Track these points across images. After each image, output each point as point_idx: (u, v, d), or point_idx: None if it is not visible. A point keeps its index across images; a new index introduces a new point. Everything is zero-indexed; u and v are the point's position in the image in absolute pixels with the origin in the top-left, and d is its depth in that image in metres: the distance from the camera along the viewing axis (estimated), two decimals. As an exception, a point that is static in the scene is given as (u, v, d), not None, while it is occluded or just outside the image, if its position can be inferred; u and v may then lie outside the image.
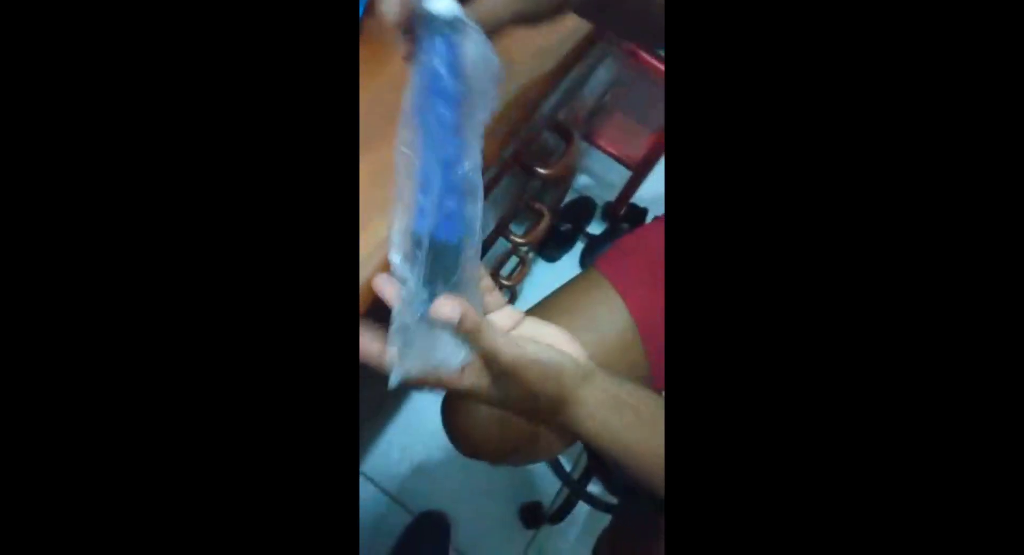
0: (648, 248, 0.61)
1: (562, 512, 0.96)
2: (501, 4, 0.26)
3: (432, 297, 0.28)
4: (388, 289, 0.30)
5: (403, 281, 0.29)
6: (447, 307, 0.27)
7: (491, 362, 0.30)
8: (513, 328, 0.34)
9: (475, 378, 0.31)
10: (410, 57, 0.26)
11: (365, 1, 0.42)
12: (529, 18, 0.28)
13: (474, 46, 0.25)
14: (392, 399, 1.07)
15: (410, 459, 1.03)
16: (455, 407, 0.53)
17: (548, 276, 1.19)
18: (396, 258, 0.29)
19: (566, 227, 1.18)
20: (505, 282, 0.87)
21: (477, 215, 0.28)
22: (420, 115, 0.26)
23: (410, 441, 1.04)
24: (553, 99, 0.57)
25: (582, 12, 0.34)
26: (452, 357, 0.30)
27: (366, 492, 1.00)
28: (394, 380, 0.29)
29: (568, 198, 1.23)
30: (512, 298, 0.98)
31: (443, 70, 0.25)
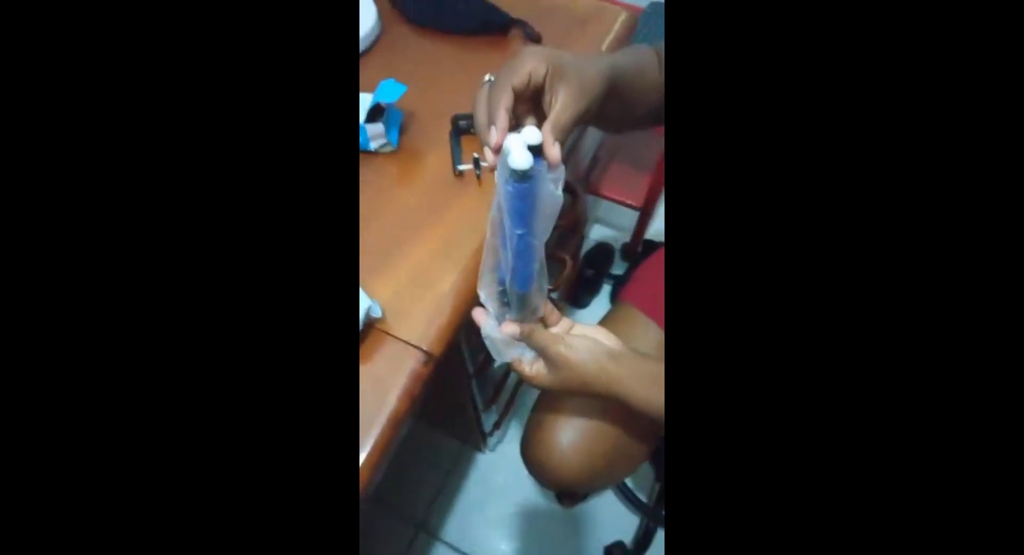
0: (659, 268, 0.70)
1: (644, 542, 0.97)
2: (568, 117, 0.36)
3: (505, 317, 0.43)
4: (479, 315, 0.45)
5: (486, 307, 0.44)
6: (509, 327, 0.43)
7: (544, 355, 0.43)
8: (566, 331, 0.46)
9: (538, 368, 0.44)
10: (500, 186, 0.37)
11: (365, 134, 0.54)
12: (585, 123, 0.39)
13: (545, 186, 0.35)
14: (455, 461, 1.12)
15: (487, 519, 1.07)
16: (535, 443, 0.59)
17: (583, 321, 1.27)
18: (483, 294, 0.43)
19: (591, 273, 1.27)
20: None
21: (540, 279, 0.41)
22: (502, 224, 0.38)
23: (484, 500, 1.08)
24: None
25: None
26: (524, 354, 0.45)
27: (453, 556, 1.04)
28: (496, 364, 0.47)
29: (587, 247, 1.32)
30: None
31: (517, 199, 0.36)
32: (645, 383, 0.42)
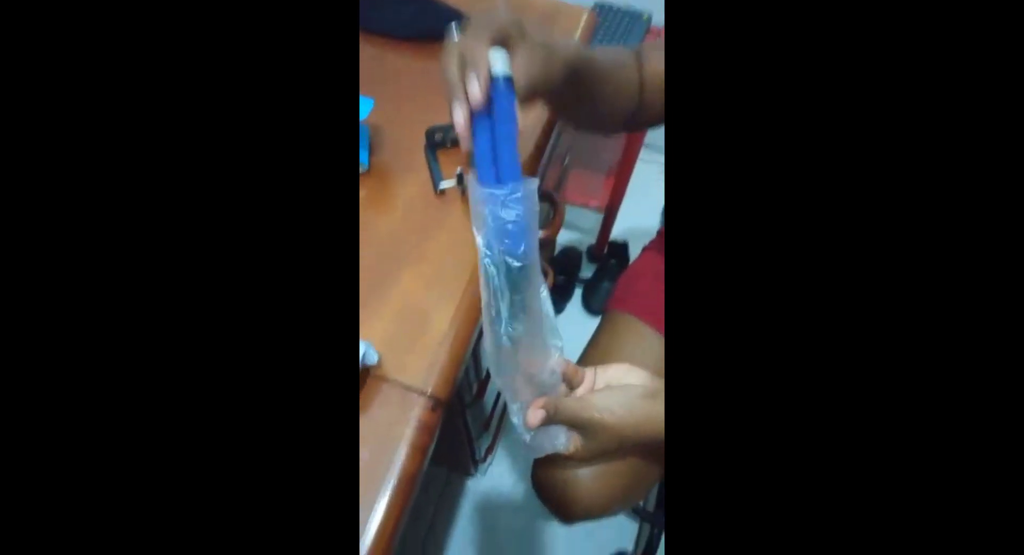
0: (647, 273, 0.67)
1: (648, 550, 0.95)
2: (524, 82, 0.35)
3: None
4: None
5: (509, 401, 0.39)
6: (533, 416, 0.38)
7: (577, 426, 0.39)
8: (592, 386, 0.42)
9: (575, 443, 0.40)
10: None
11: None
12: (538, 92, 0.37)
13: (527, 199, 0.34)
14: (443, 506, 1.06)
15: (485, 547, 1.02)
16: (549, 478, 0.54)
17: (560, 327, 1.24)
18: (499, 381, 0.38)
19: (562, 279, 1.24)
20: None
21: (545, 319, 0.38)
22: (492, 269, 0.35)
23: (480, 527, 1.03)
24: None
25: (550, 102, 0.43)
26: (560, 438, 0.40)
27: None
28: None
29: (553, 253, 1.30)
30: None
31: (509, 221, 0.34)
32: None
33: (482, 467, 1.03)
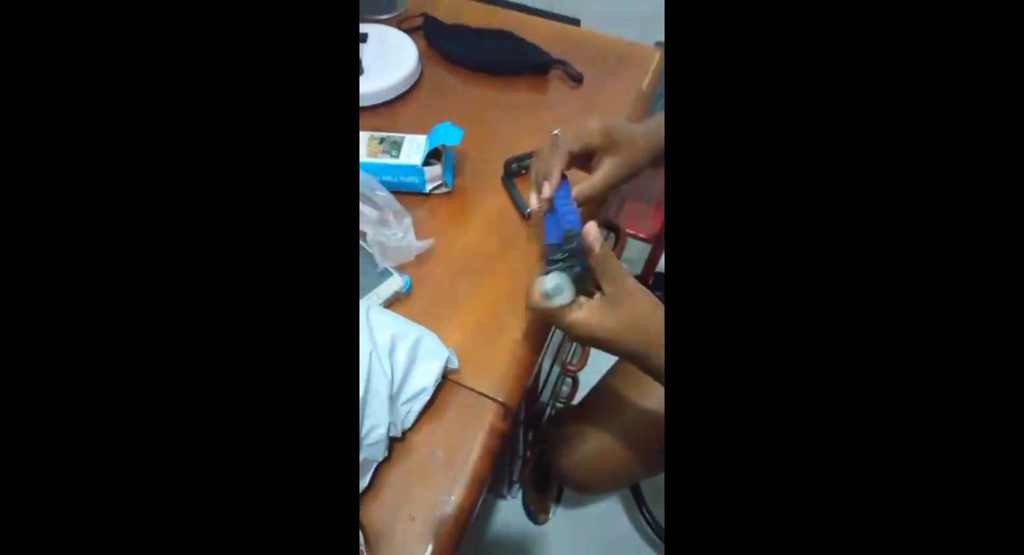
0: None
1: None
2: (602, 186, 0.46)
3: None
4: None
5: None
6: (593, 231, 0.37)
7: (613, 282, 0.38)
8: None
9: (591, 306, 0.39)
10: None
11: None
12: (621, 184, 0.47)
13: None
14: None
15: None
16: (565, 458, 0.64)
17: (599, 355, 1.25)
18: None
19: (603, 307, 1.26)
20: (571, 368, 0.93)
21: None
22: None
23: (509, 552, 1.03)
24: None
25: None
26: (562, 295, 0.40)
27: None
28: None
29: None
30: (574, 384, 1.03)
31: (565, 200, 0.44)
32: None
33: (514, 489, 1.03)
